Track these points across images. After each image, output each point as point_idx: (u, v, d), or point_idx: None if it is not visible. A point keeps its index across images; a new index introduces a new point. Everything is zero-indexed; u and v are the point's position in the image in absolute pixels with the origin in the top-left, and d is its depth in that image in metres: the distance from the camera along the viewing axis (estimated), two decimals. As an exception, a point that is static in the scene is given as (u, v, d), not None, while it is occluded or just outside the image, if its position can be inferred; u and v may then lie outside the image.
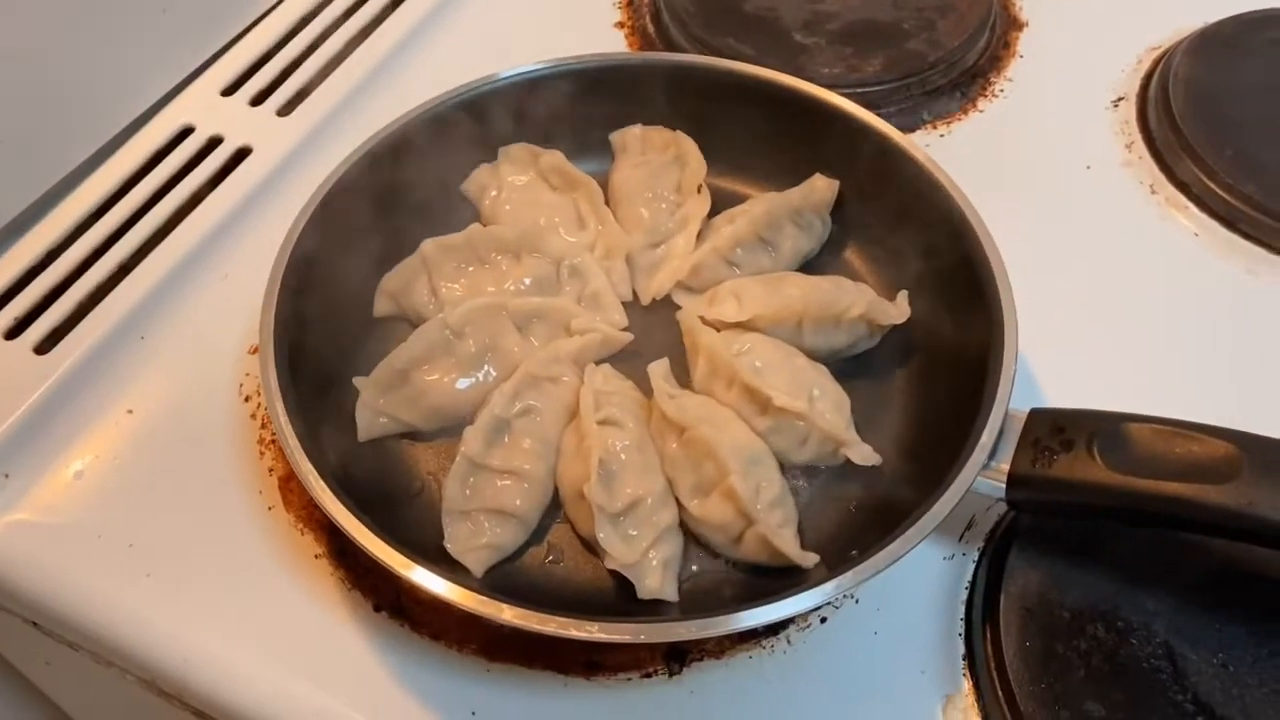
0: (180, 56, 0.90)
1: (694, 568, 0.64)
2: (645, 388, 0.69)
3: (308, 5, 0.96)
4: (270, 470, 0.69)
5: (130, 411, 0.72)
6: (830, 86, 0.77)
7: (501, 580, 0.62)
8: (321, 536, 0.66)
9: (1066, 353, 0.73)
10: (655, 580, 0.60)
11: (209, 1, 0.91)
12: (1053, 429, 0.60)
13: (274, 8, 0.96)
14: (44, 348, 0.73)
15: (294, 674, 0.61)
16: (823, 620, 0.63)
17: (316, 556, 0.65)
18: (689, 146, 0.79)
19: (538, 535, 0.65)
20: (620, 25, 0.97)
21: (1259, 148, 0.83)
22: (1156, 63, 0.92)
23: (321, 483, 0.58)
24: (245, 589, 0.64)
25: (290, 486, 0.68)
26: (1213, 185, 0.82)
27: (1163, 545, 0.62)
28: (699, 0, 0.95)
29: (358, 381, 0.67)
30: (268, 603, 0.63)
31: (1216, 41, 0.90)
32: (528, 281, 0.73)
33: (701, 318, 0.71)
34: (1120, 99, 0.90)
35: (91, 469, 0.69)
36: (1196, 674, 0.58)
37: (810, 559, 0.61)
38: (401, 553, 0.56)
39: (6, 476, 0.68)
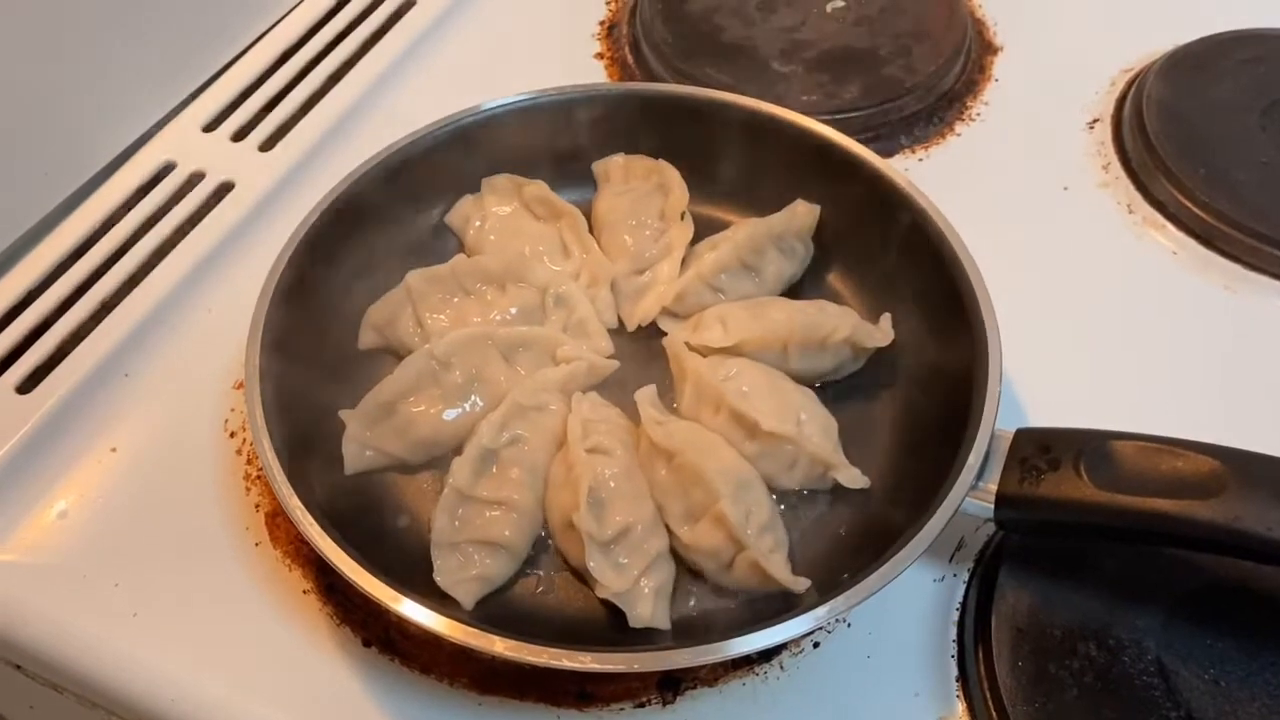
0: (160, 93, 0.90)
1: (685, 595, 0.63)
2: (633, 415, 0.69)
3: (288, 40, 0.96)
4: (256, 506, 0.68)
5: (114, 450, 0.71)
6: (808, 113, 0.78)
7: (492, 612, 0.62)
8: (309, 572, 0.65)
9: (1049, 373, 0.74)
10: (647, 608, 0.60)
11: (188, 38, 0.91)
12: (1039, 448, 0.60)
13: (254, 44, 0.96)
14: (26, 387, 0.73)
15: (283, 711, 0.60)
16: (815, 645, 0.63)
17: (304, 592, 0.65)
18: (671, 174, 0.79)
19: (528, 566, 0.65)
20: (600, 56, 0.98)
21: (1233, 166, 0.84)
22: (1130, 84, 0.93)
23: (309, 517, 0.57)
24: (233, 626, 0.63)
25: (277, 522, 0.67)
26: (1189, 204, 0.83)
27: (1151, 562, 0.63)
28: (677, 31, 0.96)
29: (344, 414, 0.67)
30: (256, 640, 0.63)
31: (1188, 62, 0.92)
32: (513, 311, 0.73)
33: (687, 343, 0.71)
34: (1095, 121, 0.92)
35: (76, 508, 0.68)
36: (1189, 690, 0.58)
37: (802, 584, 0.60)
38: (391, 586, 0.55)
39: (-11, 518, 0.67)
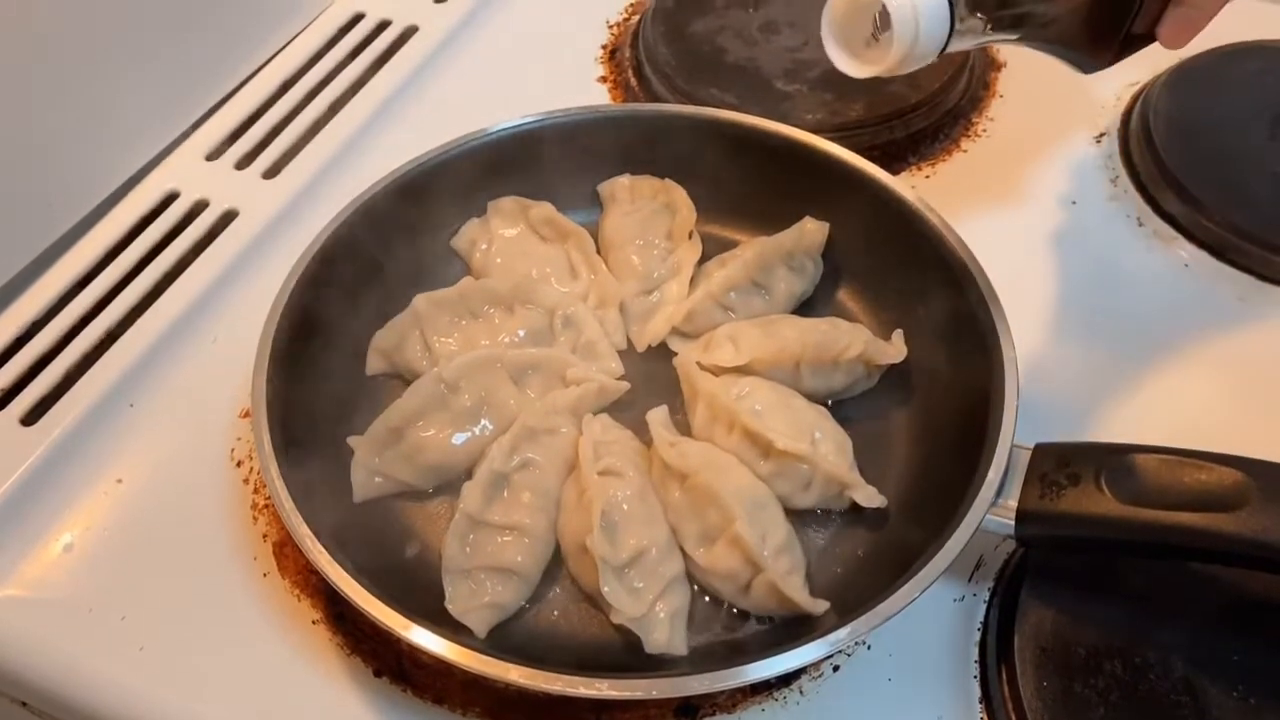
0: (164, 122, 0.90)
1: (702, 618, 0.62)
2: (644, 436, 0.68)
3: (291, 68, 0.96)
4: (264, 536, 0.67)
5: (120, 481, 0.70)
6: (814, 132, 0.78)
7: (504, 639, 0.61)
8: (319, 601, 0.64)
9: (1063, 388, 0.73)
10: (663, 634, 0.59)
11: (191, 68, 0.91)
12: (1058, 463, 0.59)
13: (257, 72, 0.96)
14: (31, 419, 0.72)
15: (294, 745, 0.59)
16: (835, 669, 0.62)
17: (314, 622, 0.64)
18: (678, 194, 0.79)
19: (540, 592, 0.64)
20: (603, 80, 0.98)
21: (1242, 177, 0.84)
22: (1136, 98, 0.93)
23: (319, 545, 0.56)
24: (242, 658, 0.62)
25: (285, 552, 0.66)
26: (1199, 216, 0.82)
27: (1176, 577, 0.62)
28: (680, 53, 0.95)
29: (352, 441, 0.66)
30: (265, 671, 0.62)
31: (1194, 75, 0.91)
32: (522, 333, 0.72)
33: (698, 363, 0.71)
34: (1102, 135, 0.91)
35: (81, 541, 0.67)
36: (1218, 707, 0.57)
37: (820, 606, 0.59)
38: (402, 614, 0.54)
39: (-6, 552, 0.67)
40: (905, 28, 0.59)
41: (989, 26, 0.61)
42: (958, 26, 0.60)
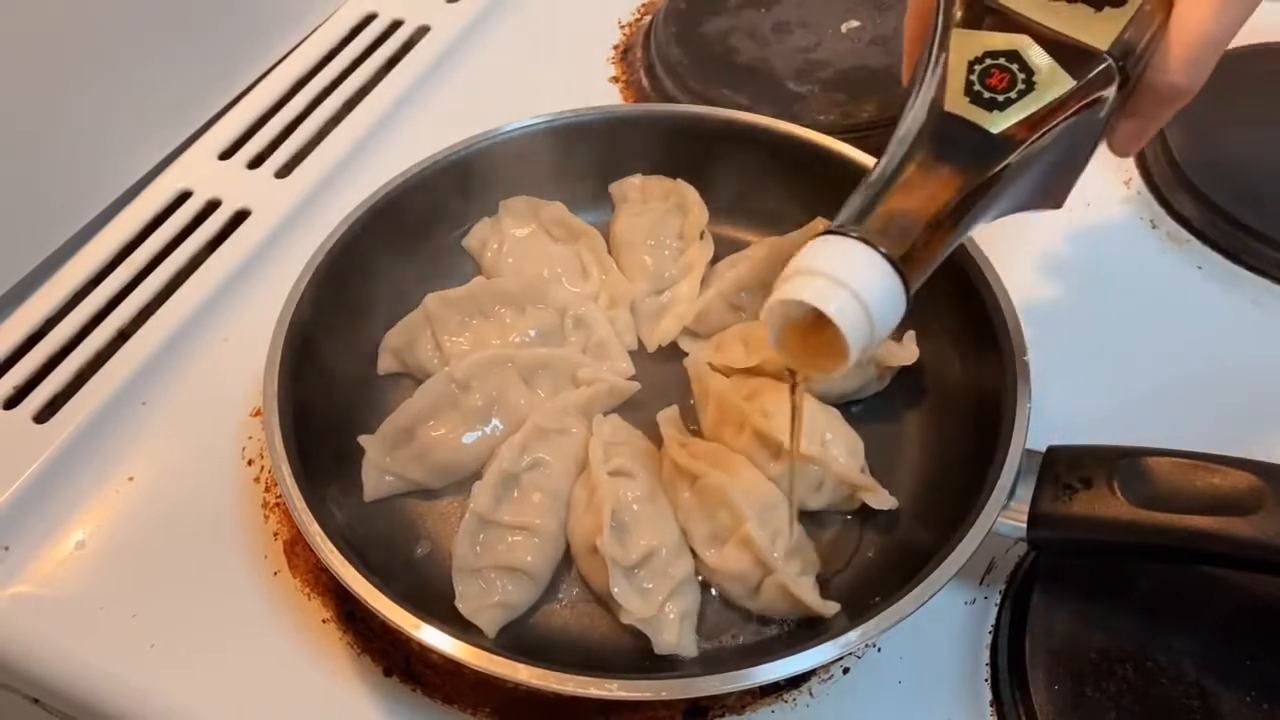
0: (177, 121, 0.90)
1: (711, 620, 0.62)
2: (654, 436, 0.68)
3: (304, 68, 0.96)
4: (275, 534, 0.67)
5: (132, 479, 0.71)
6: (826, 132, 0.78)
7: (514, 639, 0.61)
8: (329, 601, 0.64)
9: (1075, 390, 0.72)
10: (672, 635, 0.59)
11: (204, 67, 0.91)
12: (1071, 466, 0.59)
13: (270, 71, 0.96)
14: (43, 416, 0.72)
15: (303, 743, 0.59)
16: (845, 671, 0.61)
17: (324, 621, 0.64)
18: (690, 194, 0.79)
19: (550, 592, 0.64)
20: (615, 80, 0.98)
21: (1257, 180, 0.83)
22: (1149, 100, 0.92)
23: (329, 544, 0.57)
24: (252, 657, 0.62)
25: (296, 550, 0.67)
26: (1213, 218, 0.82)
27: (1188, 581, 0.61)
28: (692, 53, 0.95)
29: (363, 440, 0.67)
30: (275, 670, 0.62)
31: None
32: (532, 333, 0.72)
33: (709, 363, 0.71)
34: (1115, 136, 0.91)
35: (93, 539, 0.68)
36: (1230, 712, 0.57)
37: (831, 608, 0.59)
38: (412, 613, 0.54)
39: (6, 549, 0.67)
40: (857, 333, 0.48)
41: (948, 249, 0.51)
42: (913, 289, 0.49)
